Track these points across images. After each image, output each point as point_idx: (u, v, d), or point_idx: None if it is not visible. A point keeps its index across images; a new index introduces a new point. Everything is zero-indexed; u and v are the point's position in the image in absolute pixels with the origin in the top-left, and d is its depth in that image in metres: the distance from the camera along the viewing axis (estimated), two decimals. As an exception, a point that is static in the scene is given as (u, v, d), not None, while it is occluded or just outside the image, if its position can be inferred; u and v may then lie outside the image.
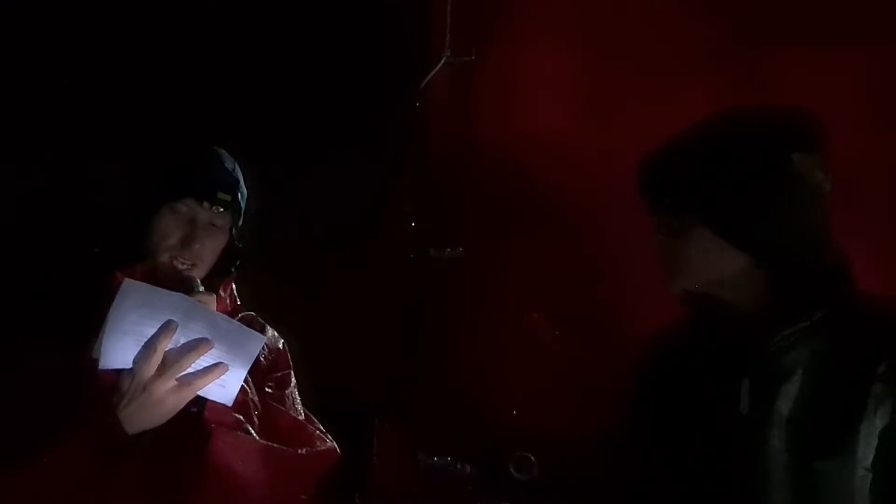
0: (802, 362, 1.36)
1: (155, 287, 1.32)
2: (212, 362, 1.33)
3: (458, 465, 2.17)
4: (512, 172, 2.24)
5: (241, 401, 1.46)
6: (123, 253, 1.50)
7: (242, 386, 1.45)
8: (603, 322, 2.06)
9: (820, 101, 1.87)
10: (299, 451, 1.48)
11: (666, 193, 1.41)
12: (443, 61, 2.30)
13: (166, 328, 1.29)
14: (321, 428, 1.59)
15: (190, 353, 1.30)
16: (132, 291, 1.30)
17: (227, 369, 1.33)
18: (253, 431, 1.45)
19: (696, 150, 1.42)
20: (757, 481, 1.34)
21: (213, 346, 1.32)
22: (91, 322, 1.34)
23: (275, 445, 1.45)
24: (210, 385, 1.33)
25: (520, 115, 2.27)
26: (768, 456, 1.33)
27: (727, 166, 1.39)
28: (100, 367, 1.30)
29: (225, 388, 1.35)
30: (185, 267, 1.51)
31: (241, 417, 1.44)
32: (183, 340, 1.31)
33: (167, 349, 1.29)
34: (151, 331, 1.29)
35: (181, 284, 1.42)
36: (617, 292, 2.08)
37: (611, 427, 1.54)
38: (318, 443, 1.54)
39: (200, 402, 1.37)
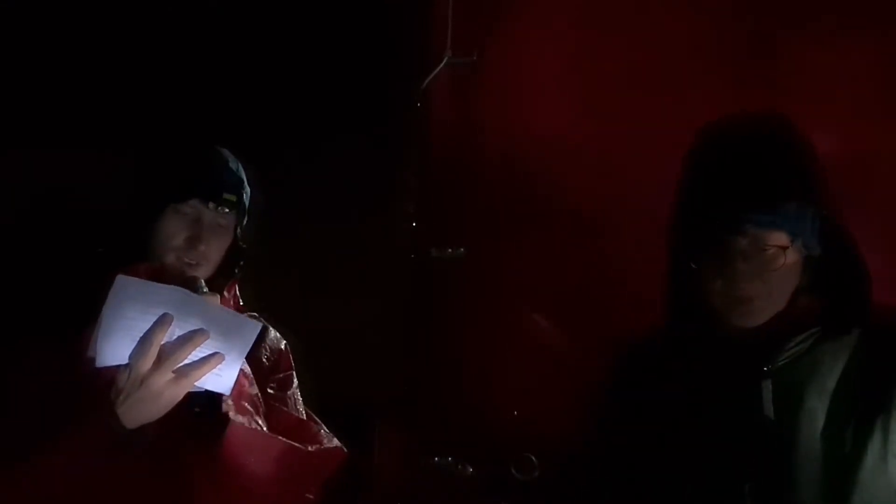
0: (825, 362, 1.37)
1: (147, 282, 1.33)
2: (208, 353, 1.33)
3: (459, 466, 2.17)
4: (513, 173, 2.24)
5: (249, 394, 1.47)
6: (127, 253, 1.50)
7: (250, 378, 1.45)
8: (605, 322, 2.06)
9: (826, 100, 1.88)
10: (309, 448, 1.49)
11: (771, 209, 1.36)
12: (444, 61, 2.30)
13: (161, 321, 1.29)
14: (325, 428, 1.59)
15: (185, 345, 1.30)
16: (124, 288, 1.30)
17: (224, 359, 1.33)
18: (263, 426, 1.46)
19: (790, 163, 1.39)
20: (781, 479, 1.34)
21: (208, 337, 1.32)
22: (94, 322, 1.34)
23: (286, 441, 1.46)
24: (207, 375, 1.33)
25: (521, 115, 2.26)
26: (801, 454, 1.35)
27: (808, 178, 1.39)
28: (96, 364, 1.30)
29: (222, 377, 1.35)
30: (191, 267, 1.51)
31: (252, 410, 1.44)
32: (178, 332, 1.31)
33: (162, 342, 1.30)
34: (146, 325, 1.29)
35: (185, 285, 1.42)
36: (619, 293, 2.08)
37: (611, 427, 1.54)
38: (324, 441, 1.54)
39: (203, 403, 1.37)
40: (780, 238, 1.36)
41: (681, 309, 1.47)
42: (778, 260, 1.35)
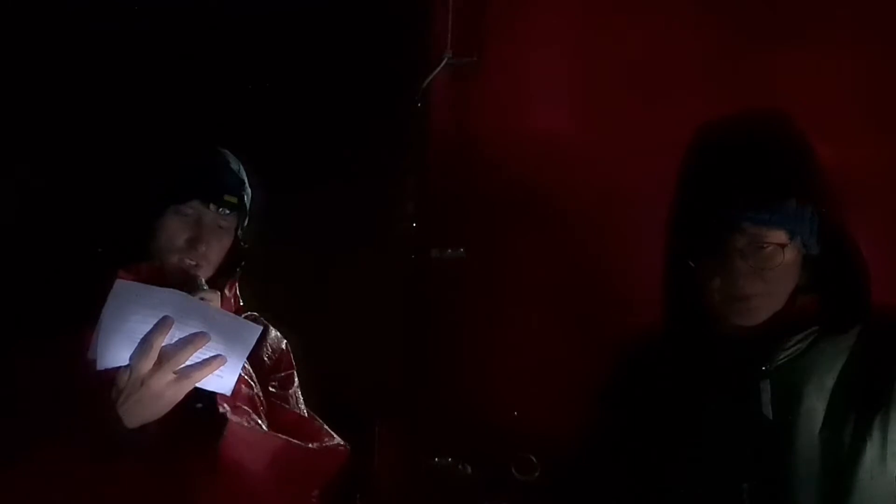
0: (823, 361, 1.37)
1: (147, 285, 1.34)
2: (209, 355, 1.33)
3: (460, 466, 2.17)
4: (514, 173, 2.24)
5: (247, 395, 1.47)
6: (128, 254, 1.51)
7: (248, 381, 1.46)
8: (605, 323, 2.06)
9: (819, 103, 1.89)
10: (309, 445, 1.49)
11: (770, 207, 1.35)
12: (444, 62, 2.30)
13: (162, 324, 1.30)
14: (326, 426, 1.60)
15: (186, 347, 1.32)
16: (124, 292, 1.31)
17: (225, 361, 1.34)
18: (262, 425, 1.46)
19: (789, 161, 1.39)
20: (780, 479, 1.34)
21: (209, 340, 1.33)
22: (94, 322, 1.34)
23: (286, 439, 1.46)
24: (208, 376, 1.34)
25: (521, 116, 2.27)
26: (799, 454, 1.34)
27: (807, 176, 1.39)
28: (97, 367, 1.31)
29: (223, 378, 1.37)
30: (191, 267, 1.52)
31: (249, 409, 1.45)
32: (178, 335, 1.32)
33: (163, 344, 1.30)
34: (146, 328, 1.30)
35: (186, 284, 1.43)
36: (619, 293, 2.08)
37: (612, 428, 1.54)
38: (326, 438, 1.55)
39: (205, 398, 1.38)
40: (778, 236, 1.36)
41: (679, 308, 1.47)
42: (777, 258, 1.35)
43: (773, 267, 1.35)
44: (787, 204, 1.35)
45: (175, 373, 1.31)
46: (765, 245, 1.35)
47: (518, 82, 2.30)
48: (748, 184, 1.36)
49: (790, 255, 1.36)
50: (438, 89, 2.32)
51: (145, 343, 1.30)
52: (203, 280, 1.49)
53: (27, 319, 1.49)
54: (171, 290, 1.34)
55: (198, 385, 1.35)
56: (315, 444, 1.52)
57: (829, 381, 1.37)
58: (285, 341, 1.71)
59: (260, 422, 1.47)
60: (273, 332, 1.69)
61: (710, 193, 1.38)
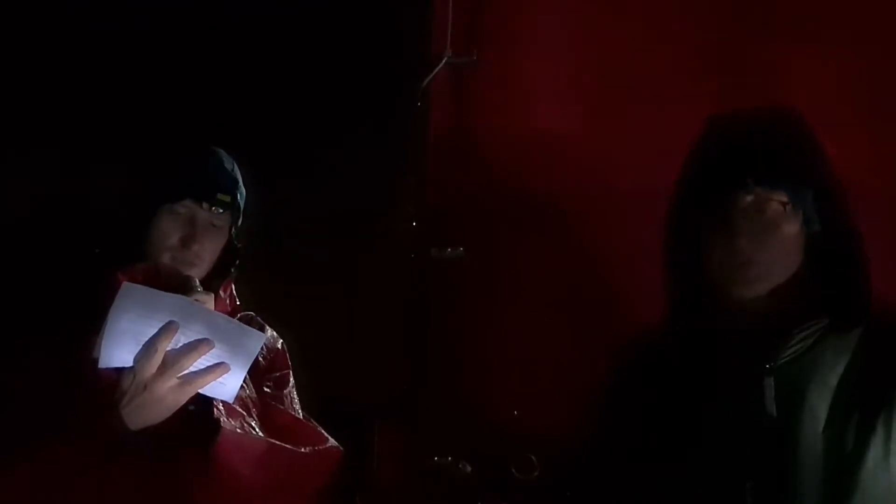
0: (827, 359, 1.37)
1: (154, 290, 1.34)
2: (213, 362, 1.33)
3: (459, 466, 2.17)
4: (513, 172, 2.24)
5: (240, 397, 1.47)
6: (123, 254, 1.51)
7: (241, 384, 1.46)
8: (606, 322, 2.06)
9: (820, 102, 1.89)
10: (303, 449, 1.49)
11: (774, 169, 1.37)
12: (444, 61, 2.30)
13: (167, 328, 1.30)
14: (321, 427, 1.59)
15: (190, 353, 1.32)
16: (131, 294, 1.31)
17: (229, 369, 1.35)
18: (256, 427, 1.46)
19: (796, 139, 1.41)
20: (783, 477, 1.34)
21: (213, 347, 1.33)
22: (91, 322, 1.34)
23: (280, 444, 1.46)
24: (211, 383, 1.34)
25: (521, 115, 2.26)
26: (803, 452, 1.34)
27: (812, 158, 1.41)
28: (99, 365, 1.31)
29: (225, 385, 1.37)
30: (185, 267, 1.52)
31: (243, 412, 1.45)
32: (183, 341, 1.32)
33: (168, 349, 1.30)
34: (151, 331, 1.31)
35: (180, 284, 1.42)
36: (619, 292, 2.08)
37: (614, 427, 1.54)
38: (320, 440, 1.55)
39: (198, 400, 1.38)
40: (781, 196, 1.37)
41: (681, 285, 1.47)
42: (779, 221, 1.36)
43: (774, 231, 1.36)
44: (792, 169, 1.38)
45: (178, 378, 1.32)
46: (768, 206, 1.36)
47: (518, 82, 2.30)
48: (754, 149, 1.38)
49: (792, 225, 1.37)
50: (438, 89, 2.32)
51: (150, 347, 1.30)
52: (196, 281, 1.49)
53: (25, 320, 1.49)
54: (178, 295, 1.35)
55: (200, 392, 1.35)
56: (308, 448, 1.51)
57: (833, 379, 1.37)
58: (281, 341, 1.70)
59: (254, 424, 1.46)
60: (269, 332, 1.68)
61: (716, 159, 1.40)
